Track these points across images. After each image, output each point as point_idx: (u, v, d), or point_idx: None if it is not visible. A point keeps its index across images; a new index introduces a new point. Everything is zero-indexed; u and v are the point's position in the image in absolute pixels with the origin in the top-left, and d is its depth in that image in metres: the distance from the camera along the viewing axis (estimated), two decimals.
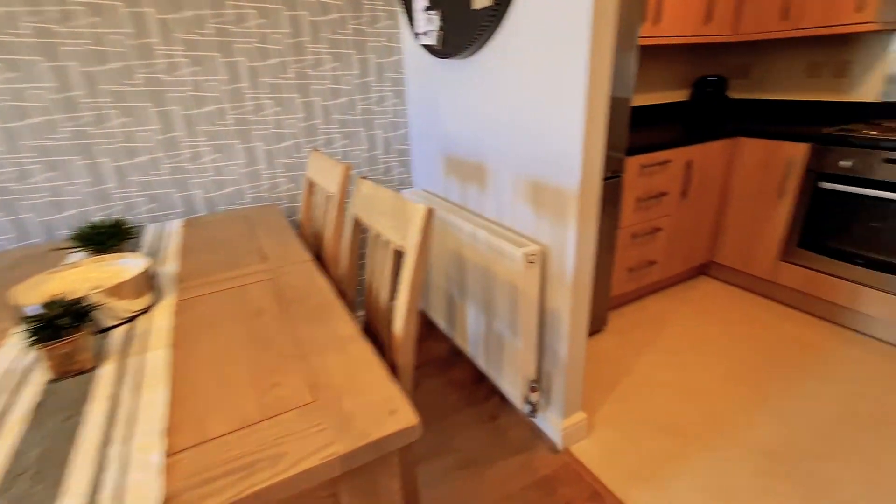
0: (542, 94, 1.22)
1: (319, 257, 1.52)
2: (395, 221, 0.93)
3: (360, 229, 1.25)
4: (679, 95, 2.85)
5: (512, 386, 1.53)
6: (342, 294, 1.32)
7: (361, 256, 2.09)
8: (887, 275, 1.88)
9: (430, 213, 0.80)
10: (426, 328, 2.24)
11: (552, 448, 1.51)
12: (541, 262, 1.36)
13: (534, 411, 1.52)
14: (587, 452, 1.48)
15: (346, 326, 0.84)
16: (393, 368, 0.95)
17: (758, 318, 2.19)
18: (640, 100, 2.70)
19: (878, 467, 1.38)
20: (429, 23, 1.56)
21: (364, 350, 0.77)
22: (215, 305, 0.95)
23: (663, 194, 2.14)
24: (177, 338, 0.83)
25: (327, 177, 1.40)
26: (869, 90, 2.26)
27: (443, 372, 1.94)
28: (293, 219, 1.92)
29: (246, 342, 0.81)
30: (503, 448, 1.53)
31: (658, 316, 2.26)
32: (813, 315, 2.19)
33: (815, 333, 2.05)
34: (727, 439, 1.51)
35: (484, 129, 1.51)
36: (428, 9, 1.56)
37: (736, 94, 2.81)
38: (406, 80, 1.98)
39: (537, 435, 1.57)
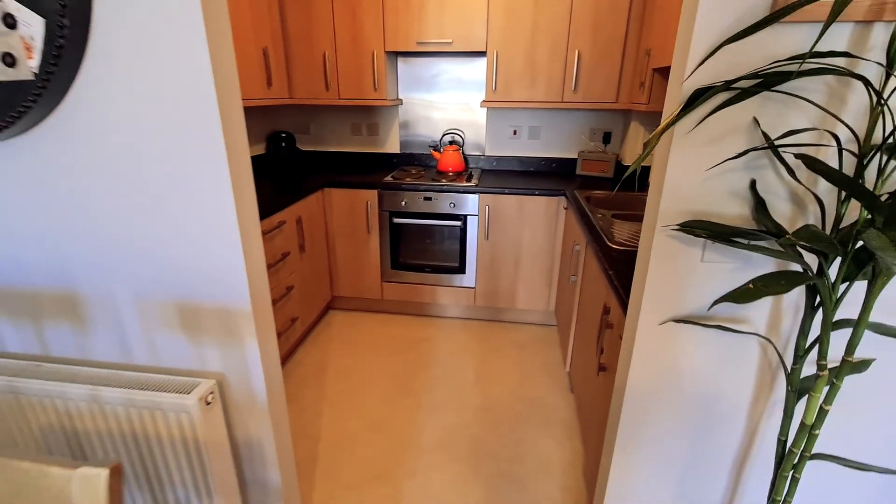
0: (164, 194, 0.95)
1: None
2: None
3: None
4: (257, 149, 2.91)
5: None
6: None
7: None
8: (442, 274, 2.70)
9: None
10: None
11: None
12: (219, 397, 1.10)
13: None
14: None
15: None
16: None
17: (382, 333, 2.64)
18: None
19: (493, 411, 2.01)
20: None
21: None
22: None
23: (287, 254, 2.17)
24: None
25: None
26: (393, 144, 3.09)
27: None
28: None
29: None
30: None
31: (315, 366, 2.32)
32: (415, 315, 2.87)
33: (421, 329, 2.70)
34: (419, 456, 1.77)
35: (69, 242, 1.03)
36: None
37: (304, 147, 3.17)
38: None
39: None
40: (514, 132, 2.92)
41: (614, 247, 1.51)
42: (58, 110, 0.91)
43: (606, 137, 2.83)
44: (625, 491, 1.09)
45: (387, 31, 2.50)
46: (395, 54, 2.84)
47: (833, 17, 0.53)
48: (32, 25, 0.80)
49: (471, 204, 2.52)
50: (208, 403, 1.04)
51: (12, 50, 0.82)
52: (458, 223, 2.57)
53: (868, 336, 0.86)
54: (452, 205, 2.54)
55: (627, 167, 2.74)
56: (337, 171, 2.86)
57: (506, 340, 2.59)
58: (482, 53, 2.76)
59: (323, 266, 2.67)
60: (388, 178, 2.64)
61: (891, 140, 0.63)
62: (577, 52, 2.40)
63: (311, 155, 3.17)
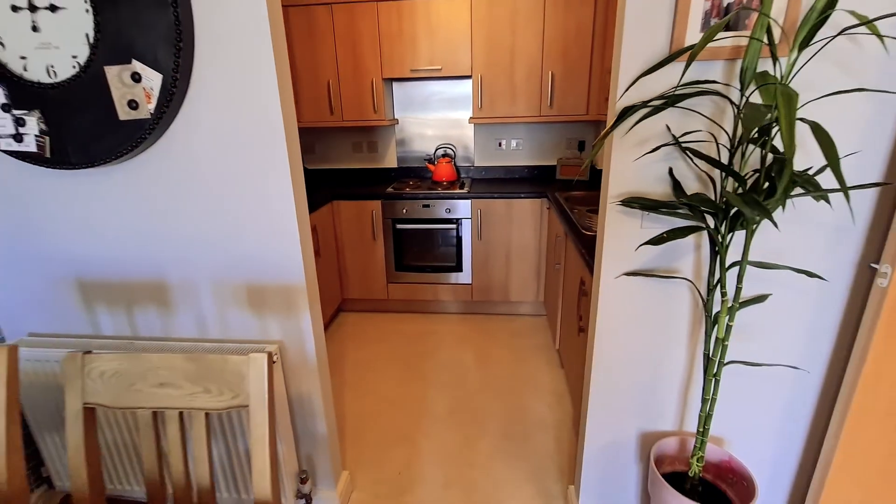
0: (241, 200, 1.25)
1: None
2: (206, 384, 0.79)
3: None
4: None
5: None
6: None
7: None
8: (441, 273, 3.01)
9: (271, 357, 0.77)
10: None
11: None
12: (280, 358, 1.39)
13: (308, 501, 1.51)
14: (364, 500, 1.65)
15: None
16: None
17: (391, 329, 2.93)
18: None
19: (494, 387, 2.31)
20: (17, 124, 1.17)
21: None
22: None
23: None
24: None
25: None
26: (391, 159, 3.42)
27: None
28: None
29: None
30: None
31: (333, 359, 2.59)
32: (418, 312, 3.16)
33: (424, 324, 2.99)
34: (433, 423, 2.06)
35: (162, 242, 1.32)
36: (4, 107, 1.16)
37: (310, 166, 3.48)
38: None
39: None
40: (500, 144, 3.27)
41: (588, 234, 1.84)
42: (160, 140, 1.22)
43: (580, 145, 3.19)
44: (603, 419, 1.40)
45: (384, 60, 2.85)
46: (391, 80, 3.19)
47: (690, 60, 0.86)
48: (153, 80, 1.11)
49: (464, 209, 2.85)
50: (273, 362, 1.33)
51: (136, 98, 1.13)
52: (454, 226, 2.89)
53: (764, 277, 1.19)
54: (448, 210, 2.86)
55: (601, 170, 3.09)
56: (342, 186, 3.18)
57: (501, 330, 2.89)
58: (468, 76, 3.11)
59: (334, 270, 2.96)
60: (390, 190, 2.96)
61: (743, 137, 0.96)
62: (550, 72, 2.77)
63: (317, 172, 3.49)
